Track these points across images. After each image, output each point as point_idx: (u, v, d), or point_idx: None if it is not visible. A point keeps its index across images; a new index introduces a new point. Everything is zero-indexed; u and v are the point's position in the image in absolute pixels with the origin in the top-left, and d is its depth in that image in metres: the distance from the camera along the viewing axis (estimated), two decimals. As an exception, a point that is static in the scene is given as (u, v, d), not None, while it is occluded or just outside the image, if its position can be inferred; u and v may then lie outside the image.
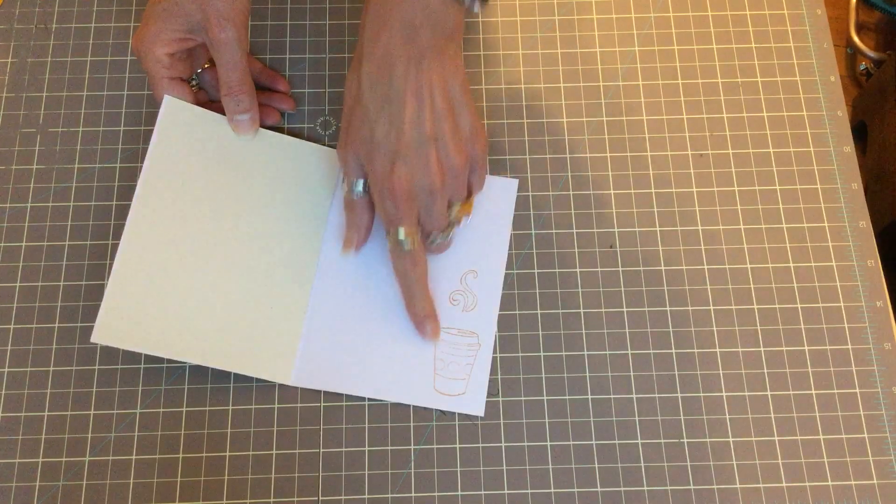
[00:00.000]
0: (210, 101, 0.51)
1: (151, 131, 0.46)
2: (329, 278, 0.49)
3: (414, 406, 0.46)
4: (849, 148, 0.52)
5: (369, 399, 0.47)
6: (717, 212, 0.51)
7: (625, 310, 0.49)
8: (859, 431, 0.46)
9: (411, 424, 0.46)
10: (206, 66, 0.50)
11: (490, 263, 0.49)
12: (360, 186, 0.45)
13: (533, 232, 0.50)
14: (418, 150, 0.42)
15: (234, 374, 0.47)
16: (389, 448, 0.46)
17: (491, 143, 0.52)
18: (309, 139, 0.52)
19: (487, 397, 0.46)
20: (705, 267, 0.50)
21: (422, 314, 0.47)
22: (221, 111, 0.49)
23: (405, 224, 0.43)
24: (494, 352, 0.47)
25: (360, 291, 0.48)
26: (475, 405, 0.46)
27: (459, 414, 0.46)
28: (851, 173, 0.52)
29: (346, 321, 0.48)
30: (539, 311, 0.48)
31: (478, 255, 0.49)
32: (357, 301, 0.48)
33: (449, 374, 0.47)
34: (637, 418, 0.46)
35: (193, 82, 0.50)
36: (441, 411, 0.46)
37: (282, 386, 0.47)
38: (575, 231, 0.50)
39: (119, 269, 0.45)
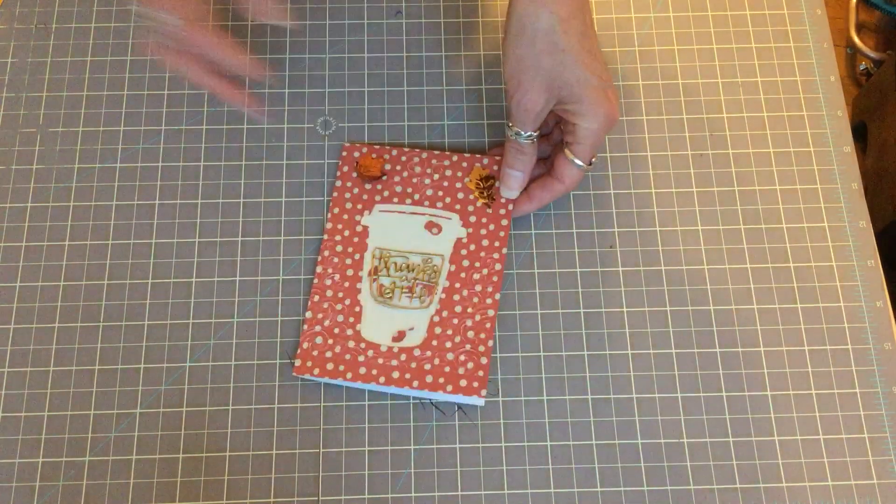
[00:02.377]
0: None
1: (151, 131, 0.46)
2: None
3: (415, 400, 0.46)
4: (849, 148, 0.52)
5: (369, 399, 0.47)
6: (717, 212, 0.51)
7: (625, 310, 0.49)
8: (859, 431, 0.46)
9: (411, 424, 0.46)
10: None
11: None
12: (529, 133, 0.46)
13: (533, 232, 0.50)
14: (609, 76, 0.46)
15: (234, 375, 0.47)
16: (389, 448, 0.46)
17: (491, 143, 0.52)
18: (309, 139, 0.52)
19: (487, 397, 0.46)
20: (705, 267, 0.49)
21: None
22: None
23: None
24: (494, 352, 0.47)
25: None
26: (475, 396, 0.46)
27: (460, 413, 0.46)
28: (851, 173, 0.52)
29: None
30: (539, 311, 0.48)
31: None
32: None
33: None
34: (637, 418, 0.46)
35: None
36: (441, 411, 0.46)
37: (282, 386, 0.47)
38: (575, 231, 0.50)
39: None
